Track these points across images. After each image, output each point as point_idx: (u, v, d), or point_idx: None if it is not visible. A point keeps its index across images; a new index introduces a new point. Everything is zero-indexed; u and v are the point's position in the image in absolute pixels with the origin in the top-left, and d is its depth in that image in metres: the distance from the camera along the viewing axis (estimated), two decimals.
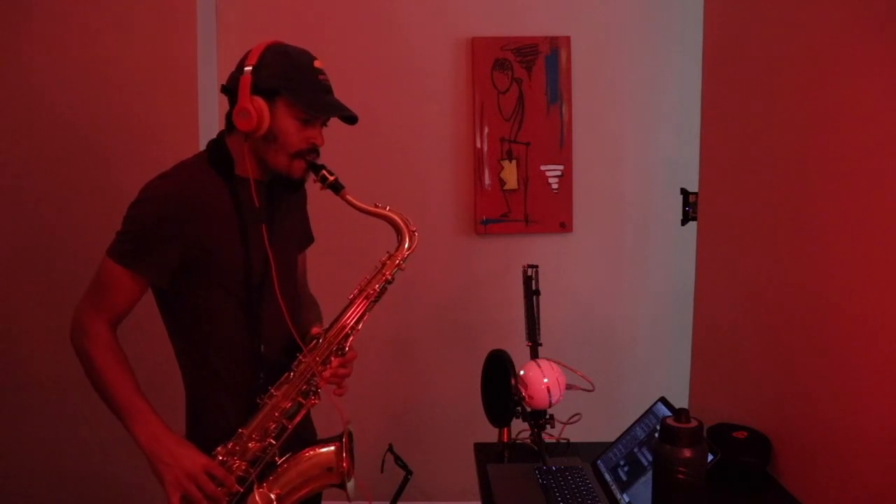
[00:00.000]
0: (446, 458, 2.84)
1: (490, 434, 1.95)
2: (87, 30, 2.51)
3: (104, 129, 2.54)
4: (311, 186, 1.57)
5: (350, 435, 1.54)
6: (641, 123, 2.88)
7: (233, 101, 1.44)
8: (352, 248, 2.76)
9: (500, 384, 1.87)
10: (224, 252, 1.44)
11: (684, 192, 2.48)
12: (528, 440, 1.90)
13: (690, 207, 2.43)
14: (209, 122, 2.57)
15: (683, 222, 2.52)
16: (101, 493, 2.65)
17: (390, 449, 2.62)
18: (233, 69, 1.46)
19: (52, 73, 2.52)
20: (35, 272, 2.58)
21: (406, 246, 1.53)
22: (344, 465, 1.50)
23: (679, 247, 2.80)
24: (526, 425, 1.86)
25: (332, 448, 1.52)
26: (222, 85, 1.47)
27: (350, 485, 1.52)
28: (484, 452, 1.88)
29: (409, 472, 2.55)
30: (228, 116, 1.48)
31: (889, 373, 1.30)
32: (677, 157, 2.80)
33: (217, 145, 1.50)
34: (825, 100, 1.51)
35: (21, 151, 2.55)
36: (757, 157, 1.79)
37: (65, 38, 2.51)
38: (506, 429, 1.92)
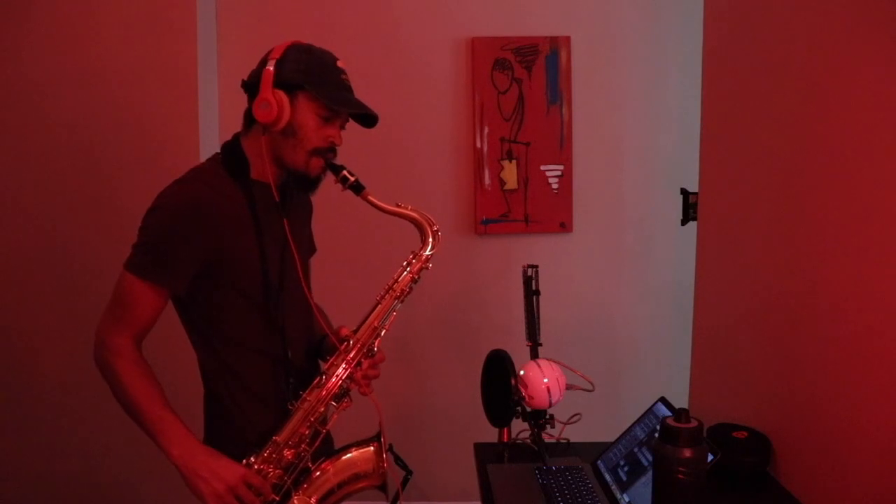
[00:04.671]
0: (446, 458, 2.84)
1: (490, 434, 1.95)
2: (87, 30, 2.51)
3: (104, 130, 2.54)
4: (321, 189, 1.56)
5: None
6: (641, 123, 2.88)
7: (253, 97, 1.42)
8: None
9: (500, 384, 1.88)
10: (241, 257, 1.42)
11: (684, 192, 2.48)
12: (528, 440, 1.90)
13: (690, 207, 2.43)
14: (209, 122, 2.57)
15: (683, 222, 2.52)
16: (102, 494, 2.65)
17: (390, 449, 2.62)
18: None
19: (51, 74, 2.52)
20: (35, 273, 2.58)
21: (430, 245, 1.53)
22: (384, 465, 1.49)
23: (679, 247, 2.80)
24: (526, 425, 1.86)
25: (371, 449, 1.51)
26: (243, 80, 1.45)
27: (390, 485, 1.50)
28: (484, 452, 1.88)
29: (409, 472, 2.55)
30: (246, 115, 1.46)
31: (889, 373, 1.30)
32: (677, 157, 2.80)
33: (232, 148, 1.47)
34: (825, 99, 1.51)
35: (20, 152, 2.55)
36: (757, 157, 1.79)
37: (65, 39, 2.51)
38: (506, 429, 1.92)
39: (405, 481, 2.49)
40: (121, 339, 1.38)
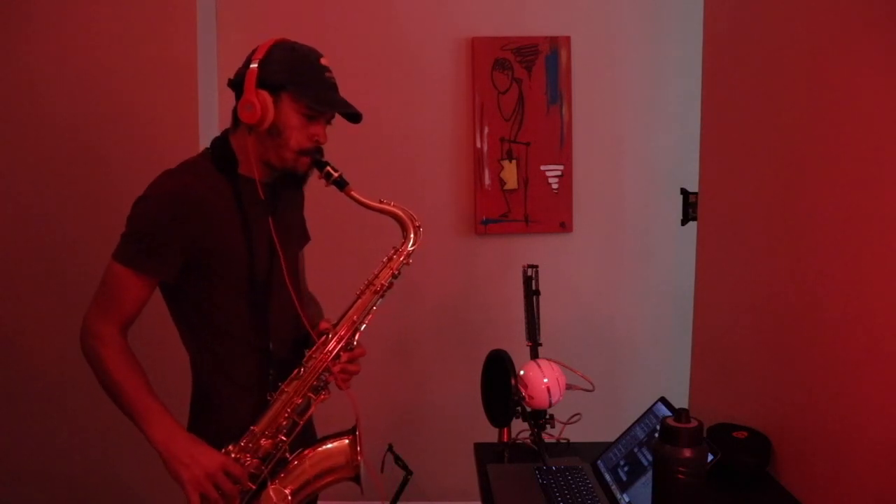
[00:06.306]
0: (446, 458, 2.84)
1: (490, 434, 1.95)
2: (86, 30, 2.51)
3: (104, 129, 2.54)
4: (313, 185, 1.57)
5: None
6: (641, 123, 2.88)
7: (239, 96, 1.44)
8: (354, 244, 2.77)
9: (500, 384, 1.87)
10: (228, 249, 1.44)
11: (684, 192, 2.48)
12: (528, 440, 1.90)
13: (690, 207, 2.43)
14: (209, 121, 2.58)
15: (683, 222, 2.52)
16: (102, 494, 2.65)
17: (390, 449, 2.62)
18: (234, 68, 1.47)
19: (51, 73, 2.52)
20: (35, 271, 2.58)
21: (411, 241, 1.54)
22: (358, 458, 1.50)
23: (679, 247, 2.80)
24: (526, 425, 1.86)
25: (346, 441, 1.53)
26: (229, 79, 1.47)
27: (363, 477, 1.52)
28: (484, 452, 1.87)
29: (408, 472, 2.55)
30: (234, 112, 1.48)
31: (889, 373, 1.30)
32: (677, 157, 2.79)
33: (221, 143, 1.50)
34: (825, 99, 1.51)
35: (20, 151, 2.55)
36: (757, 157, 1.79)
37: (65, 38, 2.51)
38: (506, 429, 1.92)
39: (405, 481, 2.49)
40: (107, 329, 1.41)
